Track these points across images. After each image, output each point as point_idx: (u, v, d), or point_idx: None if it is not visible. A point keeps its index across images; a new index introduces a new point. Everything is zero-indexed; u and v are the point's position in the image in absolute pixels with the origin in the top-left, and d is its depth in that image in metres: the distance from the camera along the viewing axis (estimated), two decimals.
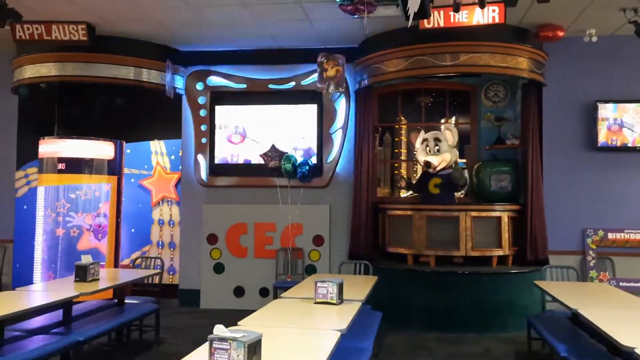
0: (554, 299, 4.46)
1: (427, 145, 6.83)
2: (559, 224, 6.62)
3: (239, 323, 3.09)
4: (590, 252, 6.58)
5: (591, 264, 6.56)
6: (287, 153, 7.16)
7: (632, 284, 6.32)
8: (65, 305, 4.58)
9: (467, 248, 6.30)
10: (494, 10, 5.59)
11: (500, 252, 6.38)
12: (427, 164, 6.72)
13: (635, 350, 2.70)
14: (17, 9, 5.25)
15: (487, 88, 7.20)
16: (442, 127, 6.99)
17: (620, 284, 6.27)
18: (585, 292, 4.87)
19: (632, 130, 6.55)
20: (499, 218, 6.40)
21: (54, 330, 4.41)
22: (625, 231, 6.55)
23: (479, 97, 7.24)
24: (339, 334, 2.99)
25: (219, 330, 2.24)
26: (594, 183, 6.67)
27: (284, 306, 3.82)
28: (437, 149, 6.74)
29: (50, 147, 6.97)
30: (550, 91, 6.74)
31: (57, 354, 4.03)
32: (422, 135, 6.98)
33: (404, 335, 5.92)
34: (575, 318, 4.59)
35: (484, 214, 6.40)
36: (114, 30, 6.71)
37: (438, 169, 6.70)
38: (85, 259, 4.88)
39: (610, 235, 6.57)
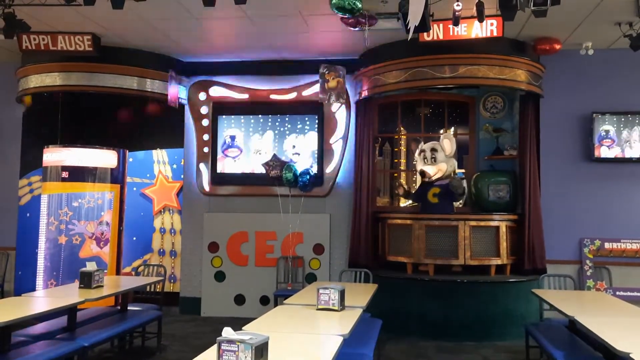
0: (552, 307, 4.53)
1: (424, 157, 6.95)
2: (557, 233, 6.71)
3: (243, 328, 3.15)
4: (587, 262, 6.66)
5: (588, 273, 6.64)
6: (288, 162, 7.24)
7: (628, 293, 6.39)
8: (70, 311, 4.63)
9: (465, 257, 6.37)
10: (492, 24, 5.72)
11: (498, 262, 6.46)
12: (422, 173, 6.86)
13: (631, 355, 2.77)
14: (24, 20, 5.36)
15: (485, 99, 7.32)
16: (441, 136, 7.10)
17: (617, 293, 6.34)
18: (582, 300, 4.95)
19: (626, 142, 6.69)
20: (497, 228, 6.49)
21: (58, 336, 4.46)
22: (621, 241, 6.64)
23: (478, 108, 7.35)
24: (341, 338, 3.06)
25: (227, 332, 2.31)
26: (590, 193, 6.76)
27: (287, 312, 3.89)
28: (434, 159, 6.85)
29: (54, 156, 7.05)
30: (548, 103, 6.85)
31: (62, 359, 4.08)
32: (420, 146, 7.11)
33: (404, 343, 5.97)
34: (573, 326, 4.66)
35: (482, 223, 6.48)
36: (118, 40, 6.82)
37: (434, 178, 6.81)
38: (90, 266, 4.94)
39: (607, 245, 6.65)
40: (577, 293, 5.54)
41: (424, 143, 7.11)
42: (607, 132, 6.70)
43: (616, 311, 4.26)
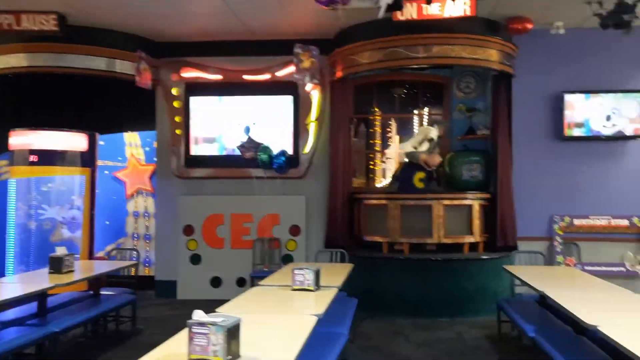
0: (523, 283, 4.63)
1: (434, 145, 6.89)
2: (528, 211, 6.82)
3: (217, 310, 3.14)
4: (557, 238, 6.81)
5: (558, 249, 6.79)
6: (263, 144, 7.18)
7: (596, 268, 6.56)
8: (40, 296, 4.55)
9: (439, 235, 6.45)
10: (465, 3, 5.71)
11: (471, 239, 6.55)
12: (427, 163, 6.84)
13: (598, 327, 2.84)
14: None
15: (458, 79, 7.34)
16: (434, 127, 7.12)
17: (586, 267, 6.50)
18: (552, 275, 5.05)
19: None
20: (470, 206, 6.57)
21: (29, 322, 4.38)
22: (590, 217, 6.79)
23: (452, 88, 7.38)
24: (315, 318, 3.07)
25: (198, 315, 2.29)
26: (561, 171, 6.88)
27: (262, 293, 3.89)
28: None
29: (21, 139, 6.87)
30: (519, 82, 6.91)
31: (33, 344, 4.04)
32: (429, 132, 6.96)
33: (380, 321, 6.04)
34: (543, 301, 4.78)
35: (455, 202, 6.56)
36: (86, 20, 6.61)
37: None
38: (60, 251, 4.85)
39: (576, 222, 6.80)
40: (548, 268, 5.65)
41: (426, 128, 7.08)
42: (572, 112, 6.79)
43: (585, 286, 4.37)
